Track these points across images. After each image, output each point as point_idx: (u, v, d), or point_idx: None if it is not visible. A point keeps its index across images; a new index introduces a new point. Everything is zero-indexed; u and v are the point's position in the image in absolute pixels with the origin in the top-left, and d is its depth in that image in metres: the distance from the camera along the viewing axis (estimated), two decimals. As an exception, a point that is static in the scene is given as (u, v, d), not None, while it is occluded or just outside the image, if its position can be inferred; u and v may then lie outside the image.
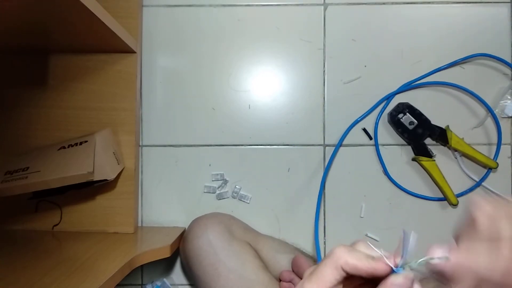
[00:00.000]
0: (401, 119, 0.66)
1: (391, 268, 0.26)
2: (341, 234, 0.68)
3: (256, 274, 0.56)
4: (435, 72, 0.68)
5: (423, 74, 0.68)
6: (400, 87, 0.68)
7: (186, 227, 0.65)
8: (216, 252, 0.56)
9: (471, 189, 0.67)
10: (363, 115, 0.68)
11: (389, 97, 0.68)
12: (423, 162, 0.66)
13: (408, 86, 0.68)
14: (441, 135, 0.66)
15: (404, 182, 0.68)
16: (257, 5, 0.69)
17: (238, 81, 0.69)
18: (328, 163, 0.68)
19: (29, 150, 0.63)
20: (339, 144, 0.68)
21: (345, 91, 0.69)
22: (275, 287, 0.56)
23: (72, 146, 0.59)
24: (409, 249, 0.26)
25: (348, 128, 0.68)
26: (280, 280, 0.59)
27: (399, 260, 0.26)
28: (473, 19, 0.68)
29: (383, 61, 0.69)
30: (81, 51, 0.64)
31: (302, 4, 0.69)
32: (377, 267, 0.26)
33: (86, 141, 0.59)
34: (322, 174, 0.68)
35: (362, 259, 0.27)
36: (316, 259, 0.66)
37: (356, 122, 0.68)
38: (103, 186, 0.63)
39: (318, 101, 0.69)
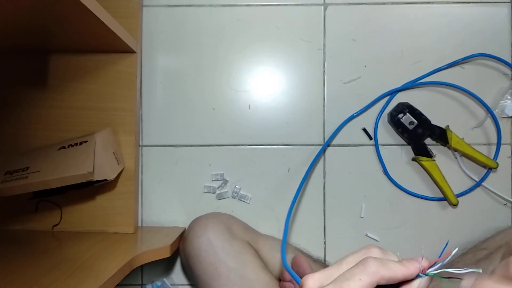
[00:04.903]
0: (401, 119, 0.66)
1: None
2: (341, 234, 0.68)
3: (256, 274, 0.56)
4: (435, 72, 0.68)
5: (423, 74, 0.68)
6: (400, 86, 0.68)
7: (186, 227, 0.65)
8: (216, 251, 0.56)
9: (471, 189, 0.67)
10: (360, 110, 0.68)
11: (387, 95, 0.68)
12: (423, 162, 0.66)
13: (409, 85, 0.68)
14: (441, 135, 0.66)
15: (404, 182, 0.68)
16: (257, 5, 0.69)
17: (238, 81, 0.69)
18: (317, 156, 0.68)
19: (29, 150, 0.63)
20: (333, 135, 0.68)
21: (345, 91, 0.69)
22: (275, 287, 0.56)
23: (72, 146, 0.59)
24: (445, 262, 0.26)
25: (343, 122, 0.68)
26: (280, 280, 0.59)
27: (424, 263, 0.26)
28: (473, 19, 0.68)
29: (383, 61, 0.69)
30: (81, 51, 0.64)
31: (302, 4, 0.69)
32: (410, 275, 0.25)
33: (86, 141, 0.59)
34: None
35: (397, 270, 0.25)
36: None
37: (352, 117, 0.68)
38: (103, 186, 0.63)
39: (318, 101, 0.69)
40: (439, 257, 0.26)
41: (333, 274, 0.27)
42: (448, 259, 0.26)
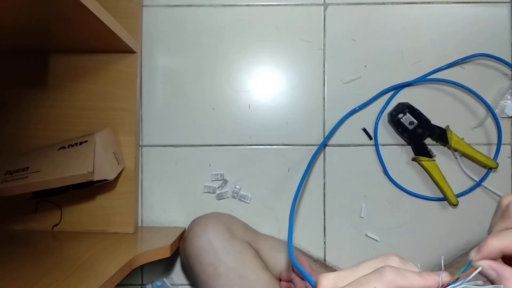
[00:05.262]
0: (401, 119, 0.66)
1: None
2: (341, 234, 0.68)
3: (256, 274, 0.56)
4: (435, 72, 0.68)
5: (423, 74, 0.68)
6: (404, 82, 0.68)
7: (186, 227, 0.65)
8: (216, 251, 0.56)
9: (471, 189, 0.67)
10: (362, 104, 0.68)
11: (391, 90, 0.68)
12: (423, 162, 0.66)
13: (412, 82, 0.68)
14: (441, 135, 0.66)
15: (404, 182, 0.68)
16: (257, 5, 0.69)
17: (238, 81, 0.69)
18: (315, 155, 0.68)
19: (29, 150, 0.63)
20: (334, 129, 0.68)
21: (345, 91, 0.69)
22: (275, 287, 0.56)
23: (72, 146, 0.59)
24: (468, 279, 0.25)
25: (345, 116, 0.68)
26: (280, 280, 0.59)
27: (445, 278, 0.25)
28: (473, 19, 0.68)
29: (383, 61, 0.69)
30: (81, 51, 0.64)
31: (302, 4, 0.69)
32: (427, 287, 0.25)
33: (86, 141, 0.59)
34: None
35: (414, 281, 0.25)
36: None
37: (354, 111, 0.68)
38: (103, 186, 0.63)
39: (318, 101, 0.69)
40: (462, 272, 0.26)
41: (349, 277, 0.27)
42: (471, 276, 0.25)
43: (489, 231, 0.30)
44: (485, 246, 0.26)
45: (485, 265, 0.26)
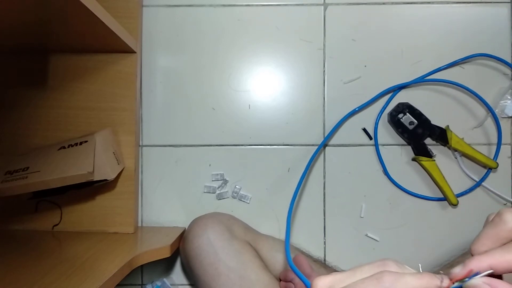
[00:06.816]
0: (401, 119, 0.66)
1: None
2: (341, 234, 0.68)
3: (256, 274, 0.56)
4: (435, 72, 0.68)
5: (423, 74, 0.68)
6: (404, 83, 0.68)
7: (186, 227, 0.65)
8: (216, 251, 0.56)
9: (471, 189, 0.67)
10: (362, 105, 0.68)
11: (390, 91, 0.68)
12: (423, 162, 0.66)
13: (412, 82, 0.68)
14: (441, 135, 0.66)
15: (404, 182, 0.68)
16: (257, 5, 0.69)
17: (238, 81, 0.69)
18: (314, 154, 0.68)
19: (29, 150, 0.63)
20: (334, 129, 0.68)
21: (345, 91, 0.69)
22: (275, 287, 0.56)
23: (72, 146, 0.59)
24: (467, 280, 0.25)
25: (345, 116, 0.68)
26: (280, 280, 0.59)
27: (445, 283, 0.25)
28: (473, 19, 0.68)
29: (383, 61, 0.69)
30: (81, 51, 0.64)
31: (302, 4, 0.69)
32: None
33: (86, 141, 0.59)
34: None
35: (415, 286, 0.24)
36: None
37: (354, 111, 0.68)
38: (103, 186, 0.63)
39: (318, 101, 0.69)
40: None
41: (345, 280, 0.27)
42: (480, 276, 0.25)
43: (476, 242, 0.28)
44: (472, 262, 0.25)
45: (479, 281, 0.25)
